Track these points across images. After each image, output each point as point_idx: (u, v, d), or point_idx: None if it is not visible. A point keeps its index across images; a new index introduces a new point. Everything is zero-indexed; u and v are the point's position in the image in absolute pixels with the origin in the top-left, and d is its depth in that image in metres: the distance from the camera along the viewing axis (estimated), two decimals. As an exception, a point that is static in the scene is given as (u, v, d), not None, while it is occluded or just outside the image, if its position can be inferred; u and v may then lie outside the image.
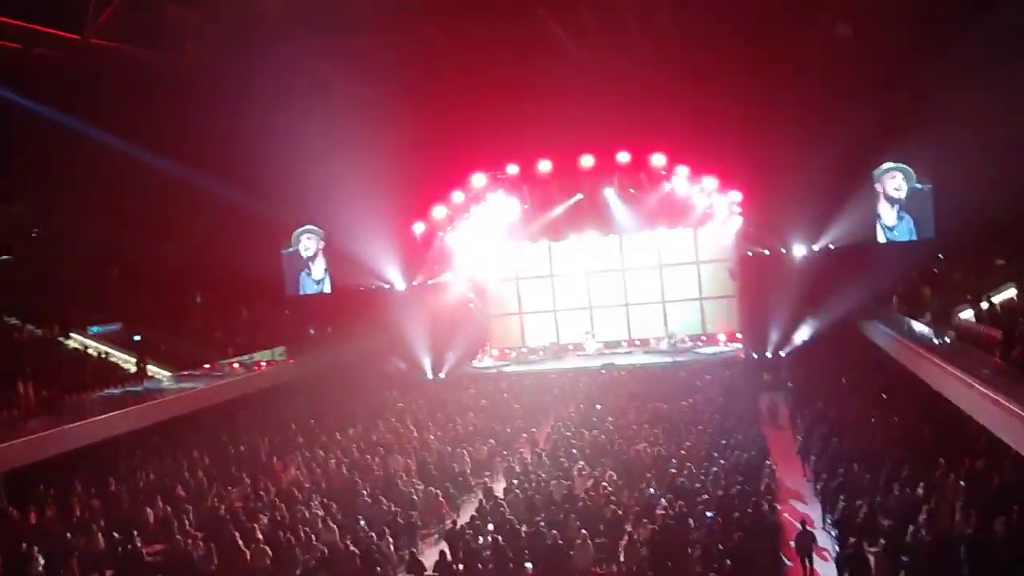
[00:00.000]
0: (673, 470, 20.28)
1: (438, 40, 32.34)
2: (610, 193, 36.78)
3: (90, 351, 31.27)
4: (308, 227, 39.93)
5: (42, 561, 17.94)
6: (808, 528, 17.01)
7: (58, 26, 30.73)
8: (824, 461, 20.75)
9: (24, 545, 18.41)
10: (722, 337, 39.23)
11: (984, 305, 24.26)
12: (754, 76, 30.56)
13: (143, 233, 36.21)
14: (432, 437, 26.42)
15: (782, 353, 34.83)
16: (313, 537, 18.17)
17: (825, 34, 31.69)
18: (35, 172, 34.38)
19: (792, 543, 16.92)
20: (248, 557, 17.32)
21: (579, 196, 37.21)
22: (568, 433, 25.49)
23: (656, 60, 31.59)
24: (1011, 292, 24.55)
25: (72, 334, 31.82)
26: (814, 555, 16.72)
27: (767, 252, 35.97)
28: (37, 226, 37.91)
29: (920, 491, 17.52)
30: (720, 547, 15.54)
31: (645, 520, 16.95)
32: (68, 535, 19.47)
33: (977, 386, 18.57)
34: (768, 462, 21.07)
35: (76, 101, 31.98)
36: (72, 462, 23.41)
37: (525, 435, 27.03)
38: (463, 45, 32.35)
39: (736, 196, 34.83)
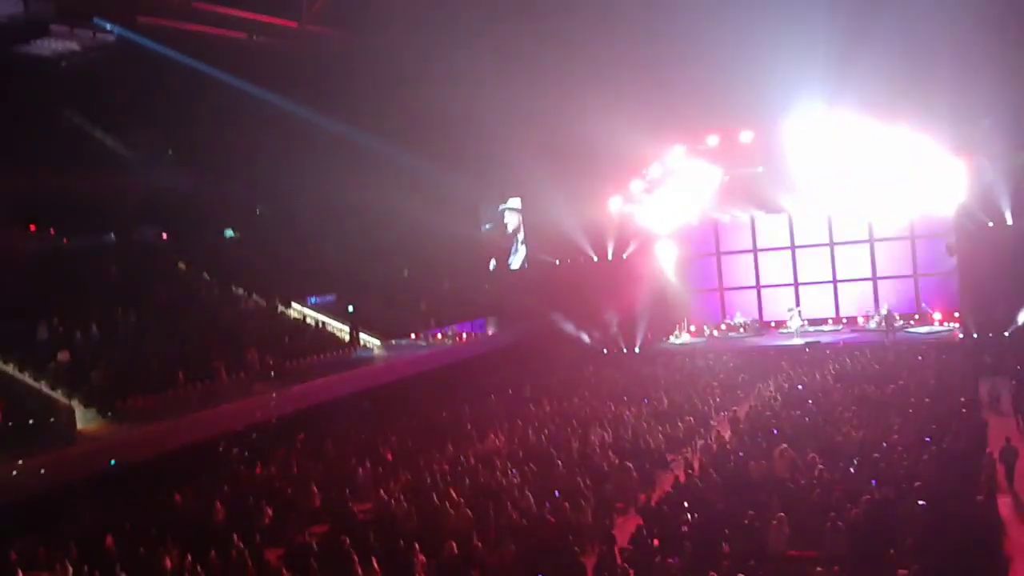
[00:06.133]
0: (879, 455, 19.20)
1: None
2: (817, 162, 34.86)
3: (308, 321, 33.47)
4: (510, 203, 40.80)
5: (270, 513, 19.46)
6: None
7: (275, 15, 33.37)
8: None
9: (251, 498, 20.06)
10: (937, 316, 36.65)
11: None
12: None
13: (355, 211, 38.25)
14: (628, 412, 26.36)
15: (1006, 334, 32.09)
16: (509, 504, 18.62)
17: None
18: (257, 155, 37.10)
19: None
20: (451, 519, 17.97)
21: (783, 166, 35.58)
22: (768, 413, 24.70)
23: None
24: None
25: (293, 304, 34.20)
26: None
27: (991, 224, 33.04)
28: (261, 204, 40.87)
29: None
30: (932, 540, 14.54)
31: (849, 505, 16.14)
32: (288, 491, 21.02)
33: None
34: (989, 451, 19.47)
35: (293, 85, 34.32)
36: (291, 423, 25.29)
37: (724, 413, 26.47)
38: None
39: (958, 164, 32.26)
